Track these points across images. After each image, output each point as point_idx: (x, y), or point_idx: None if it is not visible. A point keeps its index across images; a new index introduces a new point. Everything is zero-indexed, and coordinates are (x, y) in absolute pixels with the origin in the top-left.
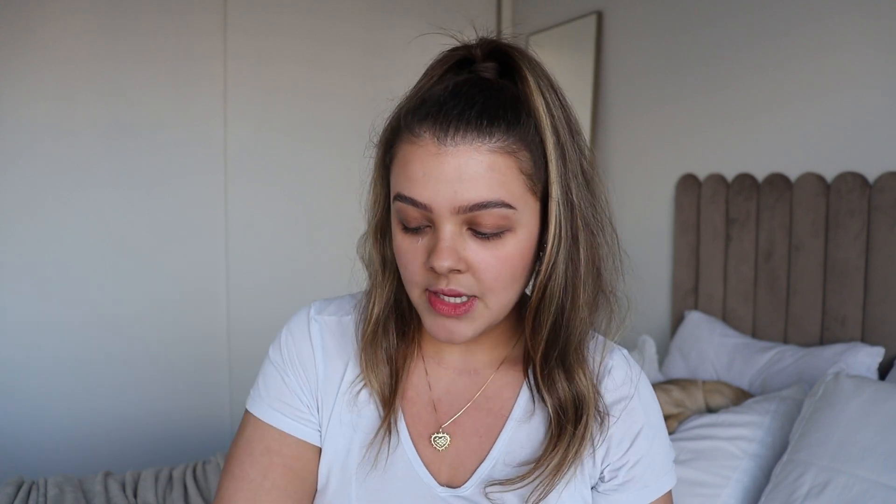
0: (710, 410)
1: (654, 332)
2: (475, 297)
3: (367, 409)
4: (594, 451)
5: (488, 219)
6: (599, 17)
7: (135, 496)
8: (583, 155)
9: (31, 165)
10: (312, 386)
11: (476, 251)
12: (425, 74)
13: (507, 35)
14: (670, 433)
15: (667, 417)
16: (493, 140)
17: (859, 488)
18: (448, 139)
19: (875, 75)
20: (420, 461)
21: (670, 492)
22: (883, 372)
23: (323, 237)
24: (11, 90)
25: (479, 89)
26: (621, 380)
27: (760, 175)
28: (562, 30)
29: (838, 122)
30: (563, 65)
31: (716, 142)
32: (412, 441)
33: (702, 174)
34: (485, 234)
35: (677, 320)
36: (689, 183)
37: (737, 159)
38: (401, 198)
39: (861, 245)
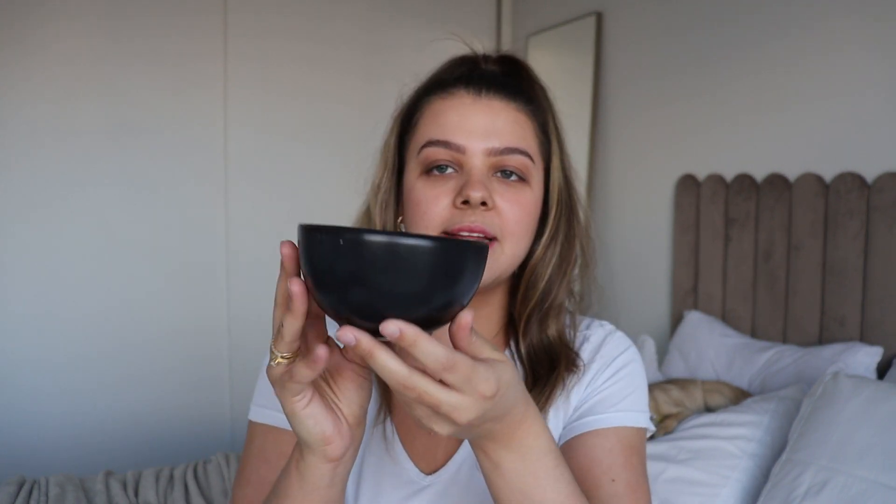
0: (710, 410)
1: (654, 332)
2: (494, 238)
3: None
4: (568, 400)
5: (513, 163)
6: (599, 18)
7: (136, 495)
8: (570, 157)
9: (34, 166)
10: None
11: (502, 192)
12: (440, 67)
13: (508, 49)
14: (669, 433)
15: (666, 417)
16: (517, 102)
17: (858, 488)
18: (483, 93)
19: (874, 76)
20: (405, 453)
21: (642, 433)
22: (881, 372)
23: None
24: (13, 92)
25: (491, 71)
26: (598, 340)
27: (760, 175)
28: (561, 31)
29: (837, 123)
30: (562, 65)
31: (715, 142)
32: (398, 434)
33: (701, 174)
34: (509, 175)
35: (677, 320)
36: (688, 183)
37: (736, 160)
38: (434, 143)
39: (860, 245)
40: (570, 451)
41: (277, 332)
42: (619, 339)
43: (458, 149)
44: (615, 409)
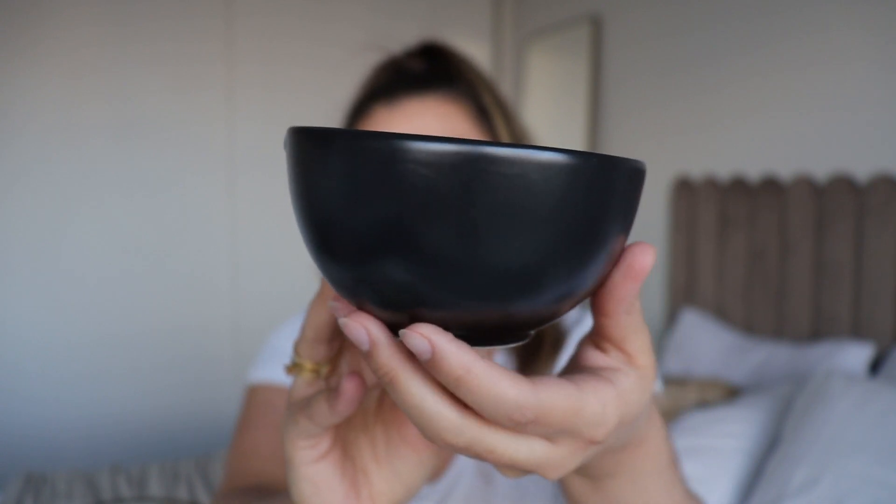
0: (704, 407)
1: (649, 330)
2: None
3: None
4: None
5: None
6: (596, 21)
7: (141, 490)
8: (521, 123)
9: (42, 169)
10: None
11: None
12: (361, 85)
13: (427, 38)
14: None
15: (661, 414)
16: (435, 94)
17: (849, 483)
18: (395, 101)
19: (866, 79)
20: None
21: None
22: (872, 368)
23: None
24: (21, 97)
25: (417, 70)
26: (576, 315)
27: (754, 177)
28: (559, 34)
29: (830, 126)
30: (560, 68)
31: (710, 144)
32: None
33: (696, 176)
34: None
35: (672, 318)
36: (683, 184)
37: (731, 161)
38: None
39: (851, 245)
40: None
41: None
42: None
43: None
44: None
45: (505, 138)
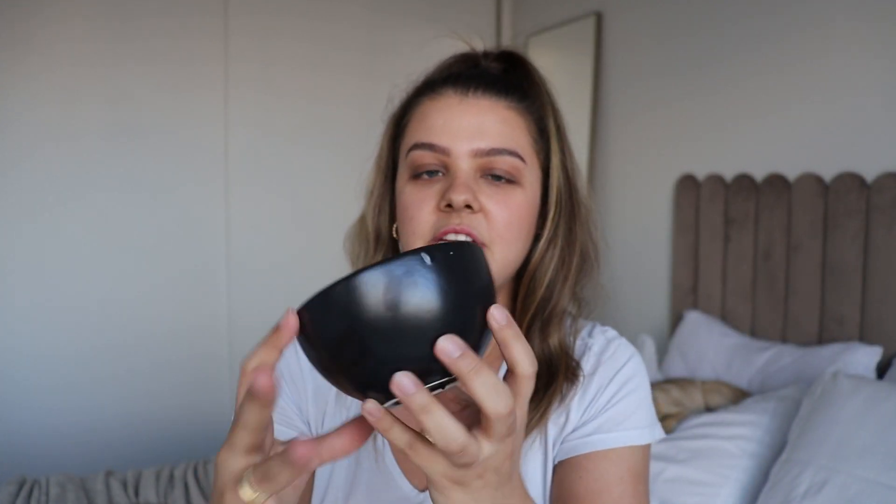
0: (709, 410)
1: (654, 332)
2: (483, 244)
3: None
4: (567, 412)
5: (502, 164)
6: (599, 18)
7: (136, 495)
8: (573, 156)
9: (36, 167)
10: (302, 400)
11: (490, 195)
12: (436, 67)
13: (509, 45)
14: (669, 433)
15: (666, 417)
16: (508, 100)
17: (857, 487)
18: (470, 93)
19: (873, 77)
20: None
21: (648, 448)
22: (881, 371)
23: (323, 237)
24: (14, 95)
25: (493, 71)
26: (600, 348)
27: (759, 175)
28: (561, 31)
29: (837, 123)
30: (562, 66)
31: (715, 142)
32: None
33: (701, 174)
34: (498, 178)
35: (676, 320)
36: (688, 183)
37: (736, 160)
38: (419, 146)
39: (859, 245)
40: (578, 470)
41: (263, 470)
42: (622, 348)
43: (444, 151)
44: (624, 428)
45: (555, 167)
